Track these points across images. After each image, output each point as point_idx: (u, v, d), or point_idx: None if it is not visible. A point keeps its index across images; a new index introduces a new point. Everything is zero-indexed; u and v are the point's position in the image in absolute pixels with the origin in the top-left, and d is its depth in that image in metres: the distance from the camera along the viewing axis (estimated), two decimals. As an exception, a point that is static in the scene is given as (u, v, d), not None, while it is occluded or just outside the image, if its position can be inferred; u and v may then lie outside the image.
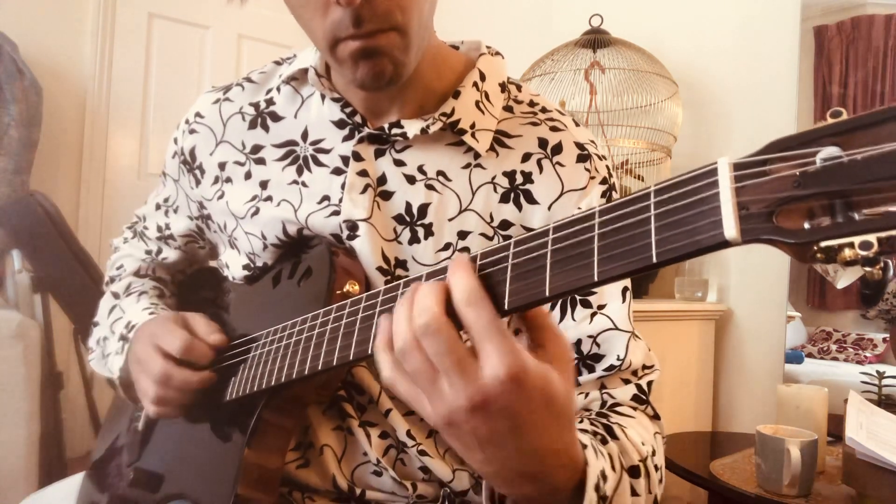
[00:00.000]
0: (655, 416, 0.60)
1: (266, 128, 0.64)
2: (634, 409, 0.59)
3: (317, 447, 0.61)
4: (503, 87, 0.64)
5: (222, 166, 0.65)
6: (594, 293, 0.60)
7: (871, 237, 0.25)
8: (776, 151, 0.29)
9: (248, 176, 0.64)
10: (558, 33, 1.85)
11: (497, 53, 0.66)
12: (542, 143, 0.61)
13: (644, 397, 0.60)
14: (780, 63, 1.67)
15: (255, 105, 0.66)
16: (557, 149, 0.61)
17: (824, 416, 1.19)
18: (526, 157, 0.61)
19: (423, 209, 0.59)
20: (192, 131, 0.67)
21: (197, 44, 2.73)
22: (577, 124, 0.65)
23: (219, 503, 0.55)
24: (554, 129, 0.62)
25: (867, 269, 0.26)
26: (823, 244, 0.27)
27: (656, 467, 0.54)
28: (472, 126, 0.59)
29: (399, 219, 0.59)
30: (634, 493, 0.48)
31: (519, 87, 0.66)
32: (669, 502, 1.57)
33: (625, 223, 0.33)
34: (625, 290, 0.61)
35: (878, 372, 1.51)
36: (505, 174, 0.60)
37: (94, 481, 0.72)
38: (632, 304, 0.62)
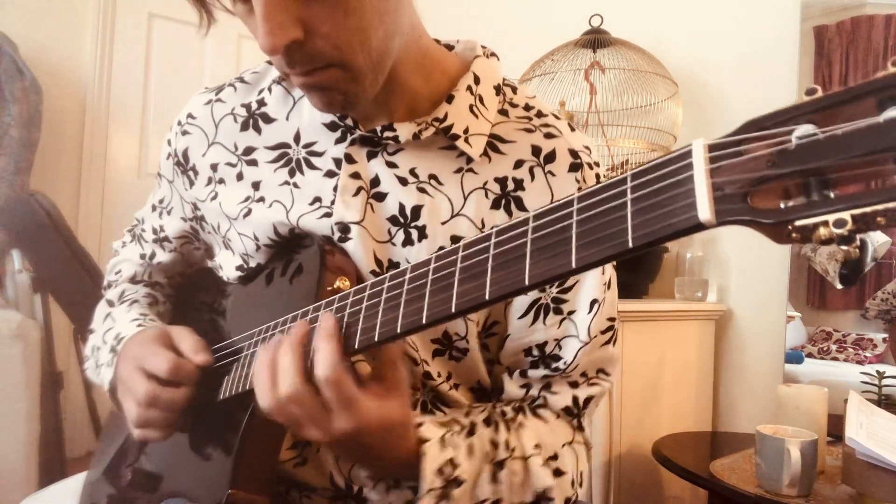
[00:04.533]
0: (580, 428, 0.64)
1: (258, 129, 0.64)
2: (557, 416, 0.63)
3: (314, 445, 0.61)
4: (498, 89, 0.63)
5: (214, 167, 0.65)
6: (566, 300, 0.61)
7: (845, 215, 0.25)
8: (752, 131, 0.28)
9: (239, 177, 0.64)
10: (558, 33, 1.85)
11: (493, 55, 0.65)
12: (536, 150, 0.61)
13: (575, 410, 0.63)
14: (780, 63, 1.67)
15: (247, 106, 0.65)
16: (550, 157, 0.61)
17: (824, 416, 1.19)
18: (518, 164, 0.60)
19: (417, 211, 0.59)
20: (184, 132, 0.67)
21: (197, 44, 2.73)
22: (573, 129, 0.64)
23: (214, 501, 0.55)
24: (548, 135, 0.62)
25: (843, 247, 0.26)
26: (798, 223, 0.26)
27: (559, 470, 0.60)
28: (466, 131, 0.59)
29: (393, 220, 0.59)
30: (495, 480, 0.56)
31: (514, 90, 0.66)
32: (669, 502, 1.57)
33: (602, 209, 0.33)
34: (594, 301, 0.61)
35: (878, 372, 1.51)
36: (497, 180, 0.60)
37: (96, 483, 0.72)
38: (602, 314, 0.62)
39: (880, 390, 1.49)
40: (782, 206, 0.27)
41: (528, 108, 0.64)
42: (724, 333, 1.73)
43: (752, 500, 1.06)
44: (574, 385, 0.63)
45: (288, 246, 0.62)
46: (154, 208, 0.75)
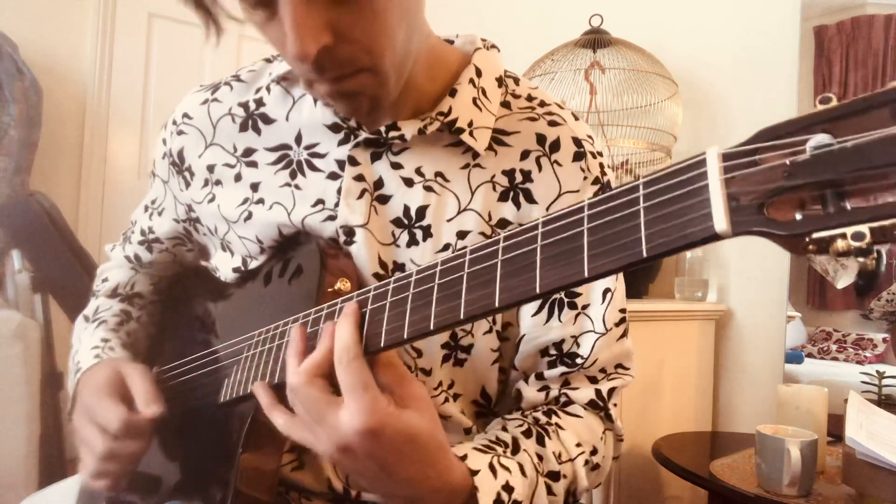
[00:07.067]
0: (608, 419, 0.63)
1: (258, 130, 0.63)
2: (586, 410, 0.62)
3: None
4: (500, 81, 0.63)
5: (211, 169, 0.64)
6: (580, 294, 0.61)
7: (864, 227, 0.24)
8: (766, 140, 0.28)
9: (238, 178, 0.63)
10: (558, 33, 1.85)
11: (493, 46, 0.65)
12: (541, 139, 0.60)
13: (601, 403, 0.62)
14: (780, 63, 1.67)
15: (245, 105, 0.64)
16: (555, 146, 0.60)
17: (824, 416, 1.19)
18: (525, 155, 0.60)
19: (422, 211, 0.58)
20: (180, 132, 0.66)
21: (197, 44, 2.73)
22: (577, 118, 0.64)
23: None
24: (552, 123, 0.61)
25: (860, 259, 0.25)
26: (815, 235, 0.26)
27: (596, 465, 0.60)
28: (470, 124, 0.58)
29: (397, 222, 0.59)
30: (551, 492, 0.54)
31: (517, 81, 0.65)
32: (669, 502, 1.57)
33: (614, 217, 0.33)
34: (606, 291, 0.61)
35: (878, 372, 1.51)
36: (504, 173, 0.60)
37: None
38: (614, 304, 0.62)
39: (880, 390, 1.49)
40: (798, 217, 0.27)
41: (530, 98, 0.64)
42: (724, 333, 1.73)
43: (752, 500, 1.06)
44: (594, 381, 0.63)
45: (285, 245, 0.62)
46: (146, 209, 0.75)
